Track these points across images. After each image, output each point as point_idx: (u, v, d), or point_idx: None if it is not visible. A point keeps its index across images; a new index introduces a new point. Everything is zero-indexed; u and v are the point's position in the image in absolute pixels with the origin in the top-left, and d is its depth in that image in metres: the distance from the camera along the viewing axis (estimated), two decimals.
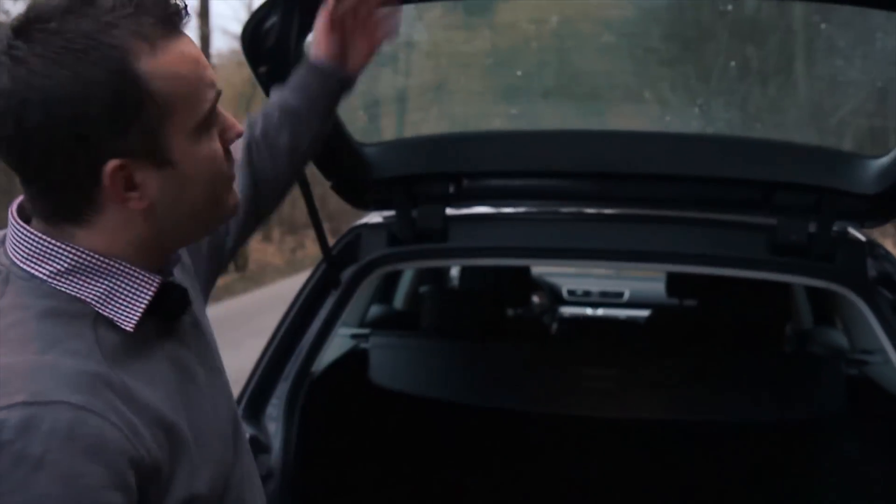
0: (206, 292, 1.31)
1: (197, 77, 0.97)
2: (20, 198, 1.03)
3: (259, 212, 1.42)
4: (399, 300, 4.05)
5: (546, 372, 2.91)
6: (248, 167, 1.38)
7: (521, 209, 2.48)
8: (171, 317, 1.05)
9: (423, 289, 3.93)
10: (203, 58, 0.99)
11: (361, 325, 3.24)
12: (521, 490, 2.97)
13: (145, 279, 1.00)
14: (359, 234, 2.45)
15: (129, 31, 0.92)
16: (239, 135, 1.04)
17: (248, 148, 1.40)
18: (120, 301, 0.98)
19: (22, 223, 1.00)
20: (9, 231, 1.02)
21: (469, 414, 2.96)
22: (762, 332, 3.17)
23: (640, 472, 2.96)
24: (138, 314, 0.98)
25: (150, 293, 0.99)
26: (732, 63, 2.30)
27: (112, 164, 0.93)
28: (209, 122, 0.99)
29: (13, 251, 0.99)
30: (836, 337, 3.29)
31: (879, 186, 2.17)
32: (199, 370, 1.08)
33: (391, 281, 3.88)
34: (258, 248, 18.91)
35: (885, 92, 2.20)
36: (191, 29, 1.00)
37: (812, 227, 2.26)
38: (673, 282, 3.71)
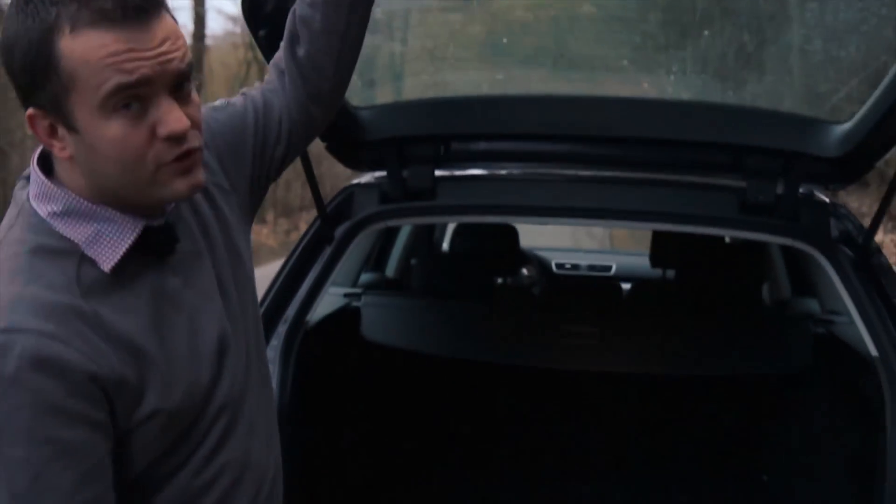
0: (254, 201, 1.42)
1: (103, 66, 1.05)
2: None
3: (311, 108, 1.44)
4: (391, 269, 4.17)
5: (530, 327, 3.04)
6: (292, 59, 1.41)
7: (506, 170, 2.61)
8: (158, 254, 1.19)
9: (414, 260, 4.05)
10: (133, 53, 1.05)
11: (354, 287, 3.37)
12: (504, 435, 3.12)
13: (129, 225, 1.14)
14: (352, 193, 2.57)
15: (64, 14, 1.05)
16: (172, 133, 1.09)
17: (291, 33, 1.41)
18: (104, 244, 1.13)
19: (37, 167, 1.16)
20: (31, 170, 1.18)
21: (456, 367, 3.11)
22: (739, 297, 3.31)
23: (623, 422, 3.11)
24: (118, 257, 1.13)
25: (131, 238, 1.14)
26: (706, 32, 2.41)
27: (31, 109, 1.10)
28: (115, 105, 1.06)
29: (31, 188, 1.16)
30: (811, 305, 3.42)
31: (842, 150, 2.30)
32: (188, 297, 1.21)
33: (383, 249, 4.00)
34: (252, 230, 18.96)
35: (880, 72, 2.29)
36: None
37: (779, 189, 2.39)
38: (656, 251, 3.83)
